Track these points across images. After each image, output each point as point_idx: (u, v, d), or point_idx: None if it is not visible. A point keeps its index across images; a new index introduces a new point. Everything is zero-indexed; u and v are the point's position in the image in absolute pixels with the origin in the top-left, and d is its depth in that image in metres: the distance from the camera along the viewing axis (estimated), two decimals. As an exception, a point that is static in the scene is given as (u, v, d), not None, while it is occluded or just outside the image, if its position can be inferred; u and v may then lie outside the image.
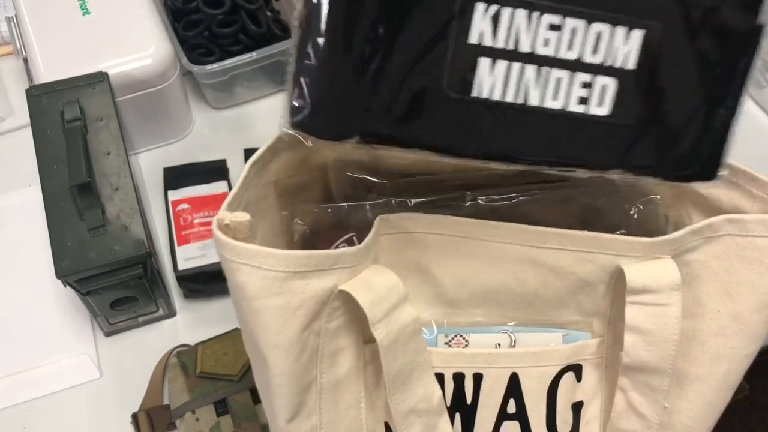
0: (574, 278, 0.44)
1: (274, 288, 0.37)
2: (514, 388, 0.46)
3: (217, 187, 0.73)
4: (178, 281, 0.68)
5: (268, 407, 0.43)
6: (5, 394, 0.64)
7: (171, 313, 0.69)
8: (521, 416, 0.46)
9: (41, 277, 0.69)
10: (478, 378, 0.45)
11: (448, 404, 0.45)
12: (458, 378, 0.45)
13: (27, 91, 0.65)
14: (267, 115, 0.83)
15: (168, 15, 0.78)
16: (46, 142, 0.62)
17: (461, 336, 0.45)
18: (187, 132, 0.81)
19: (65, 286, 0.58)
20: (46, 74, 0.68)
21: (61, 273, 0.56)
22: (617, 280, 0.44)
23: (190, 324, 0.69)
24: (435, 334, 0.46)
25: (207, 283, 0.69)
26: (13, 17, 0.74)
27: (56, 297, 0.69)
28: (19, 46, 0.72)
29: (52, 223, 0.58)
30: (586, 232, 0.43)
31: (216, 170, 0.74)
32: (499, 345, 0.46)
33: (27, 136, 0.63)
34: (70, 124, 0.62)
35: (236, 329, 0.65)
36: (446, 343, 0.46)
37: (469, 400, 0.45)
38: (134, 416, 0.62)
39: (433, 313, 0.46)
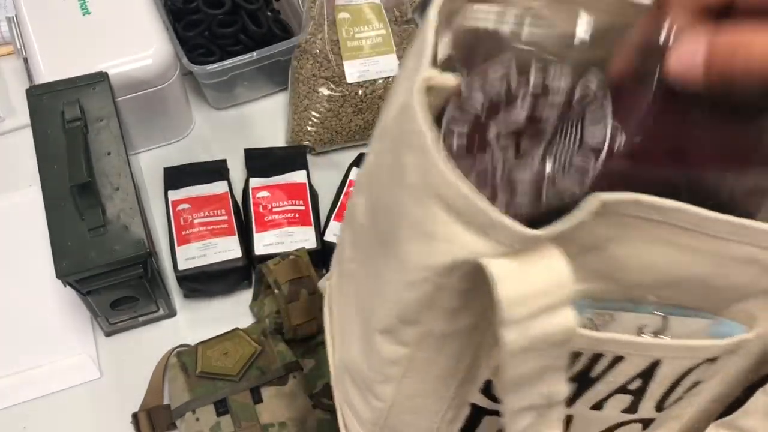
0: None
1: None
2: (648, 371, 0.41)
3: (217, 187, 0.73)
4: (178, 281, 0.68)
5: (366, 304, 0.39)
6: (5, 394, 0.64)
7: (171, 313, 0.69)
8: (638, 393, 0.42)
9: (41, 277, 0.69)
10: (617, 360, 0.39)
11: (572, 375, 0.39)
12: (596, 357, 0.39)
13: (27, 91, 0.65)
14: (267, 115, 0.83)
15: (168, 15, 0.78)
16: (47, 142, 0.62)
17: (608, 313, 0.40)
18: (188, 132, 0.81)
19: (65, 286, 0.58)
20: (46, 74, 0.68)
21: (62, 273, 0.56)
22: None
23: (191, 324, 0.69)
24: (579, 310, 0.38)
25: (207, 283, 0.69)
26: (13, 17, 0.74)
27: (56, 297, 0.69)
28: (19, 46, 0.72)
29: (52, 223, 0.58)
30: None
31: (216, 170, 0.74)
32: (644, 327, 0.40)
33: (27, 136, 0.63)
34: (71, 124, 0.62)
35: (236, 329, 0.65)
36: (590, 318, 0.39)
37: (594, 375, 0.40)
38: (134, 416, 0.62)
39: (593, 287, 0.38)
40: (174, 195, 0.72)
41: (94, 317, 0.65)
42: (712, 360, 0.41)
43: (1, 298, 0.69)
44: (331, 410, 0.64)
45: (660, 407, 0.42)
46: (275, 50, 0.76)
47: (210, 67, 0.74)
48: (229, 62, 0.75)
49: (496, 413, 0.42)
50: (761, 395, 0.42)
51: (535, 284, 0.31)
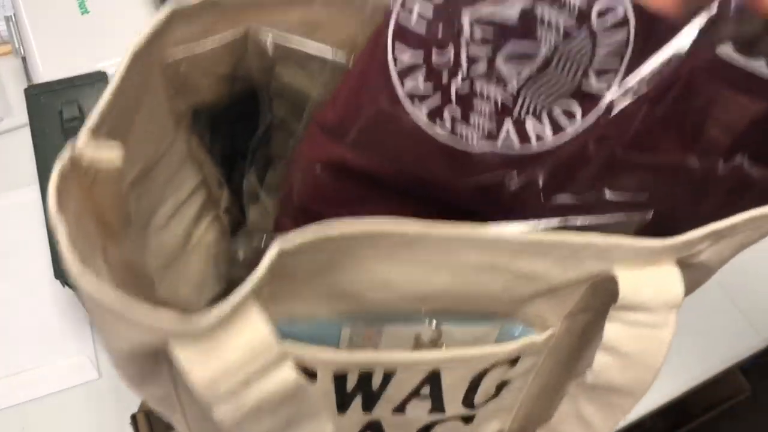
0: (545, 284, 0.35)
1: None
2: (432, 379, 0.38)
3: (217, 186, 0.72)
4: (177, 281, 0.68)
5: None
6: (3, 395, 0.64)
7: (170, 314, 0.69)
8: (434, 397, 0.39)
9: (40, 276, 0.69)
10: (389, 374, 0.37)
11: (348, 390, 0.37)
12: (364, 376, 0.37)
13: (25, 90, 0.65)
14: (267, 115, 0.83)
15: (167, 14, 0.77)
16: (45, 142, 0.61)
17: (373, 328, 0.36)
18: (187, 132, 0.81)
19: (64, 286, 0.58)
20: (44, 73, 0.68)
21: (60, 273, 0.56)
22: (599, 284, 0.35)
23: (190, 324, 0.69)
24: (339, 327, 0.35)
25: (206, 283, 0.68)
26: (11, 16, 0.74)
27: (55, 297, 0.68)
28: (17, 45, 0.72)
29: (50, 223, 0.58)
30: (579, 238, 0.32)
31: (215, 170, 0.74)
32: (419, 337, 0.37)
33: (25, 135, 0.63)
34: (69, 124, 0.62)
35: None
36: (352, 339, 0.36)
37: (375, 387, 0.38)
38: (133, 417, 0.62)
39: (336, 309, 0.35)
40: (173, 195, 0.72)
41: (93, 318, 0.65)
42: (512, 361, 0.38)
43: (-1, 298, 0.69)
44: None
45: (470, 405, 0.40)
46: (275, 49, 0.76)
47: (209, 66, 0.74)
48: (228, 61, 0.75)
49: None
50: (567, 401, 0.39)
51: (229, 359, 0.28)
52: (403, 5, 0.31)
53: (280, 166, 0.44)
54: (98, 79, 0.66)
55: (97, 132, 0.31)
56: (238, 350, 0.28)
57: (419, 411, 0.40)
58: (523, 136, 0.32)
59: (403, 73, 0.32)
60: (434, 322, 0.36)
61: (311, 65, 0.40)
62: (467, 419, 0.42)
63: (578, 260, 0.33)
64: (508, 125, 0.32)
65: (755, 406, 1.29)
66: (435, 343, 0.37)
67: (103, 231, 0.32)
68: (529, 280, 0.34)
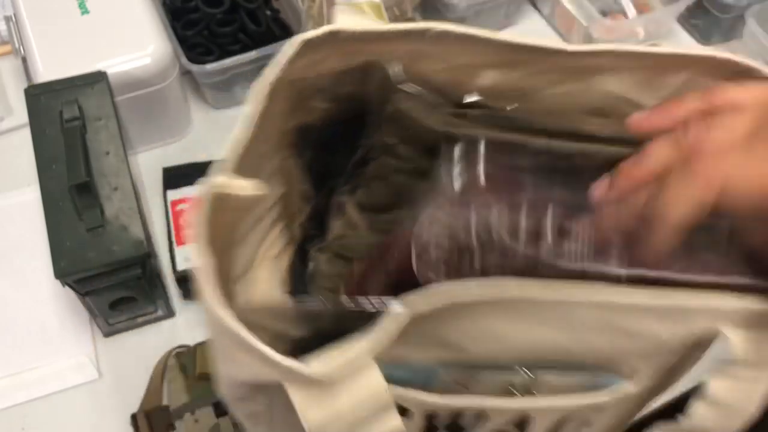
0: (653, 342, 0.35)
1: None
2: (520, 423, 0.39)
3: (217, 186, 0.72)
4: (177, 282, 0.68)
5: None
6: (3, 395, 0.64)
7: (170, 314, 0.69)
8: None
9: (40, 277, 0.69)
10: (480, 416, 0.38)
11: (438, 428, 0.39)
12: (457, 414, 0.38)
13: (26, 90, 0.65)
14: (266, 115, 0.83)
15: (167, 14, 0.77)
16: (45, 142, 0.61)
17: (468, 373, 0.38)
18: (187, 132, 0.81)
19: (64, 287, 0.58)
20: (44, 74, 0.68)
21: (60, 273, 0.56)
22: (701, 340, 0.36)
23: (190, 324, 0.69)
24: (436, 372, 0.37)
25: (206, 283, 0.68)
26: (11, 16, 0.74)
27: (55, 297, 0.69)
28: (17, 46, 0.72)
29: (50, 223, 0.58)
30: (698, 300, 0.33)
31: (215, 170, 0.74)
32: (512, 383, 0.39)
33: (26, 135, 0.63)
34: (69, 124, 0.62)
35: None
36: (446, 382, 0.38)
37: (464, 424, 0.40)
38: (133, 417, 0.62)
39: (438, 357, 0.37)
40: (173, 195, 0.72)
41: (93, 318, 0.65)
42: (599, 409, 0.40)
43: (-1, 298, 0.69)
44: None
45: None
46: (275, 49, 0.76)
47: (209, 66, 0.74)
48: (228, 61, 0.75)
49: None
50: None
51: (343, 404, 0.30)
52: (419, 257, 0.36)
53: (374, 185, 0.44)
54: (98, 79, 0.66)
55: (236, 164, 0.32)
56: (351, 398, 0.30)
57: None
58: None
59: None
60: (529, 371, 0.38)
61: (430, 97, 0.41)
62: None
63: (690, 320, 0.35)
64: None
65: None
66: (527, 389, 0.39)
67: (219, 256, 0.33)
68: (638, 338, 0.35)
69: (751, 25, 0.83)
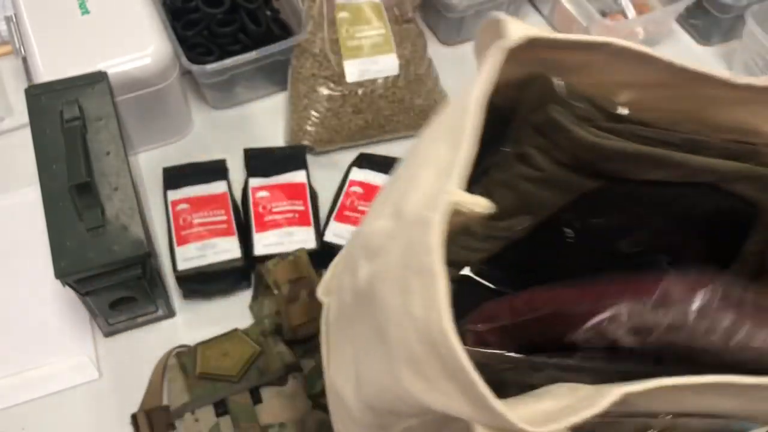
0: None
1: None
2: None
3: (217, 187, 0.72)
4: (177, 281, 0.68)
5: (358, 368, 0.39)
6: (4, 395, 0.64)
7: (170, 314, 0.69)
8: None
9: (40, 277, 0.69)
10: None
11: None
12: None
13: (26, 90, 0.65)
14: (266, 115, 0.83)
15: (167, 14, 0.77)
16: (45, 142, 0.61)
17: (615, 418, 0.38)
18: (187, 132, 0.81)
19: (64, 287, 0.58)
20: (45, 74, 0.68)
21: (60, 273, 0.56)
22: None
23: (190, 324, 0.69)
24: None
25: (206, 283, 0.68)
26: (12, 16, 0.74)
27: (55, 297, 0.69)
28: (18, 46, 0.72)
29: (51, 223, 0.58)
30: None
31: (215, 170, 0.74)
32: (648, 425, 0.39)
33: (26, 135, 0.63)
34: (69, 124, 0.62)
35: (235, 330, 0.65)
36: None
37: None
38: (134, 417, 0.62)
39: None
40: (173, 195, 0.72)
41: (93, 318, 0.65)
42: None
43: (-1, 298, 0.69)
44: (331, 411, 0.64)
45: None
46: (275, 49, 0.76)
47: (209, 66, 0.74)
48: (228, 61, 0.75)
49: None
50: None
51: None
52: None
53: (499, 191, 0.44)
54: (99, 79, 0.66)
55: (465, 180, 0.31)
56: None
57: None
58: None
59: None
60: (672, 416, 0.38)
61: (583, 109, 0.41)
62: None
63: None
64: None
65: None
66: (664, 430, 0.39)
67: None
68: None
69: (751, 25, 0.83)
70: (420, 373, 0.31)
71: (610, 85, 0.41)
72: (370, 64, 0.77)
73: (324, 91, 0.77)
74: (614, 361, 0.35)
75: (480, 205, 0.31)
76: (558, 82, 0.40)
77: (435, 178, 0.32)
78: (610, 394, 0.30)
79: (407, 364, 0.32)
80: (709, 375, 0.31)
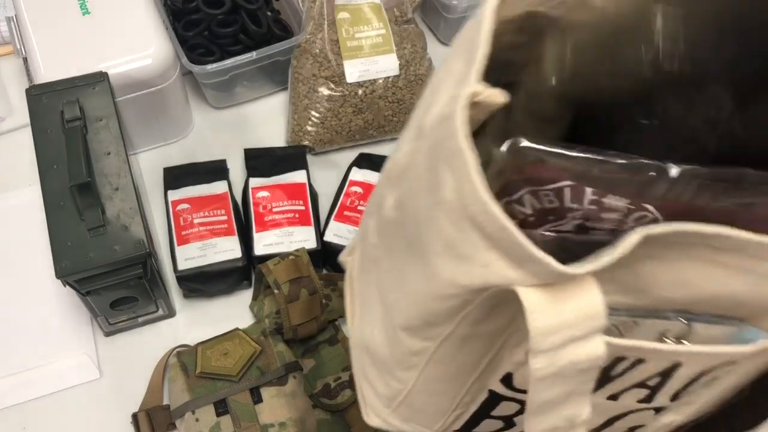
0: None
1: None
2: (668, 371, 0.40)
3: (217, 187, 0.72)
4: (177, 281, 0.68)
5: (388, 297, 0.39)
6: (5, 394, 0.64)
7: (171, 313, 0.69)
8: (656, 387, 0.42)
9: (41, 277, 0.69)
10: (638, 361, 0.40)
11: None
12: (618, 359, 0.39)
13: (27, 90, 0.65)
14: (267, 115, 0.83)
15: (168, 15, 0.77)
16: (46, 142, 0.62)
17: (633, 319, 0.39)
18: (187, 132, 0.81)
19: (65, 286, 0.58)
20: (46, 74, 0.68)
21: (61, 273, 0.56)
22: None
23: (190, 324, 0.69)
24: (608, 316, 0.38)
25: (207, 283, 0.69)
26: (13, 17, 0.74)
27: (56, 297, 0.69)
28: (19, 46, 0.72)
29: (52, 223, 0.58)
30: None
31: (216, 170, 0.74)
32: (667, 332, 0.40)
33: (27, 136, 0.63)
34: (70, 124, 0.62)
35: (236, 329, 0.65)
36: (614, 325, 0.40)
37: (615, 374, 0.41)
38: (134, 416, 0.62)
39: (622, 299, 0.37)
40: (174, 195, 0.72)
41: (94, 317, 0.65)
42: (733, 362, 0.40)
43: (0, 298, 0.69)
44: (331, 410, 0.64)
45: (675, 398, 0.43)
46: (275, 50, 0.76)
47: (210, 66, 0.74)
48: (228, 62, 0.75)
49: (513, 399, 0.42)
50: None
51: (567, 316, 0.31)
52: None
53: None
54: (99, 79, 0.66)
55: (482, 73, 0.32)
56: (578, 311, 0.31)
57: (630, 400, 0.42)
58: None
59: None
60: (685, 319, 0.38)
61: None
62: (659, 410, 0.44)
63: None
64: None
65: (753, 406, 1.28)
66: (679, 339, 0.40)
67: None
68: None
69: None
70: (459, 256, 0.32)
71: None
72: (370, 64, 0.78)
73: (324, 91, 0.77)
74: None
75: (498, 95, 0.31)
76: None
77: (453, 87, 0.33)
78: (635, 235, 0.31)
79: (443, 252, 0.33)
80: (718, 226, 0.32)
